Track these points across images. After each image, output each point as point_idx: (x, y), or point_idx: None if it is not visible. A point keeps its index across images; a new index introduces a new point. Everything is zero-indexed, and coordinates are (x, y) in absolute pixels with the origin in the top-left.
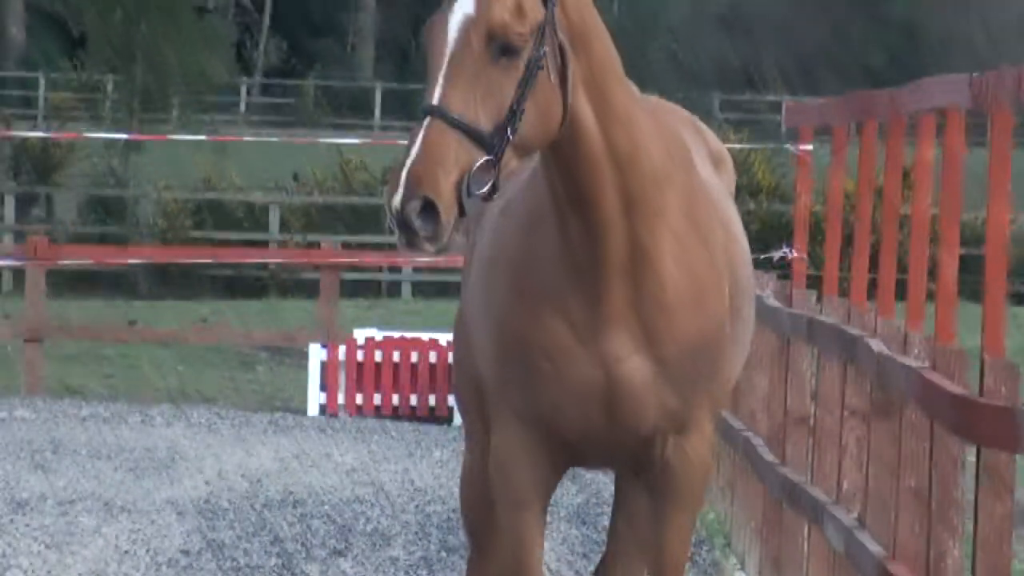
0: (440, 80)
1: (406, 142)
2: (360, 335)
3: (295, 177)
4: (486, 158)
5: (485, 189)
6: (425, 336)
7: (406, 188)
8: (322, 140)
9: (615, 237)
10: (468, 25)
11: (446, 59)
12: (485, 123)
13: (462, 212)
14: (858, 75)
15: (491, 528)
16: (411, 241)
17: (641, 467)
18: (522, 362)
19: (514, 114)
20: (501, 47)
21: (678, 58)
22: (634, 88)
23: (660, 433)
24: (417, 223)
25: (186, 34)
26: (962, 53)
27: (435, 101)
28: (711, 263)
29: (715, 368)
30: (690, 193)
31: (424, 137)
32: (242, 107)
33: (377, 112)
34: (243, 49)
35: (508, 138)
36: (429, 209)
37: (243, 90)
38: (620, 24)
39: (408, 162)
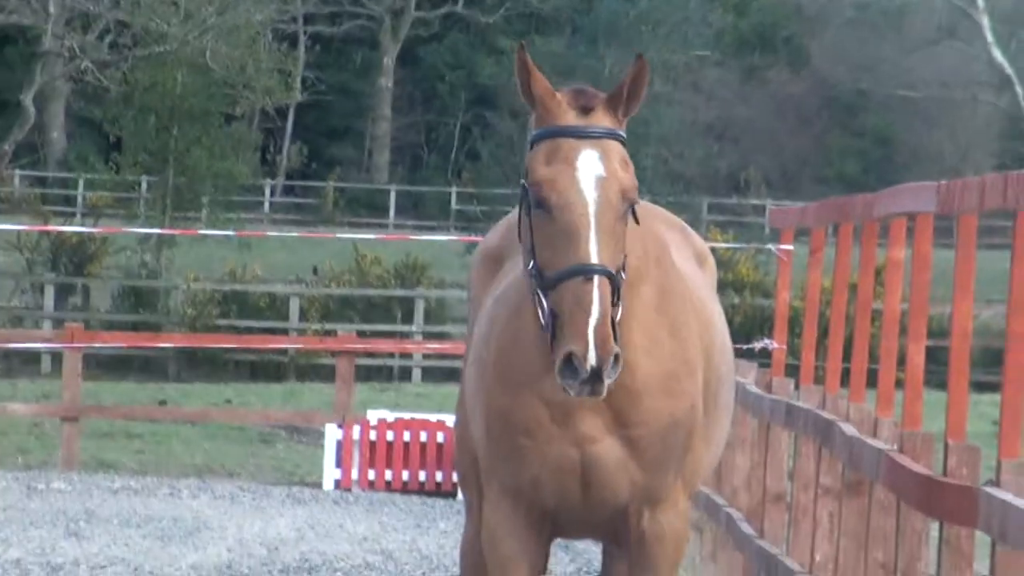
0: (593, 238)
1: (574, 296)
2: (373, 416)
3: (315, 270)
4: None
5: None
6: (432, 417)
7: (598, 348)
8: (339, 236)
9: None
10: (604, 185)
11: (592, 217)
12: (615, 270)
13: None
14: (835, 182)
15: None
16: (596, 390)
17: (620, 538)
18: (505, 439)
19: (625, 257)
20: (628, 205)
21: (669, 164)
22: None
23: (635, 507)
24: (609, 377)
25: (214, 139)
26: (931, 162)
27: (597, 260)
28: (682, 353)
29: (686, 447)
30: (663, 289)
31: (599, 297)
32: (266, 206)
33: (391, 212)
34: (267, 153)
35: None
36: (615, 361)
37: (267, 190)
38: None
39: (592, 322)
